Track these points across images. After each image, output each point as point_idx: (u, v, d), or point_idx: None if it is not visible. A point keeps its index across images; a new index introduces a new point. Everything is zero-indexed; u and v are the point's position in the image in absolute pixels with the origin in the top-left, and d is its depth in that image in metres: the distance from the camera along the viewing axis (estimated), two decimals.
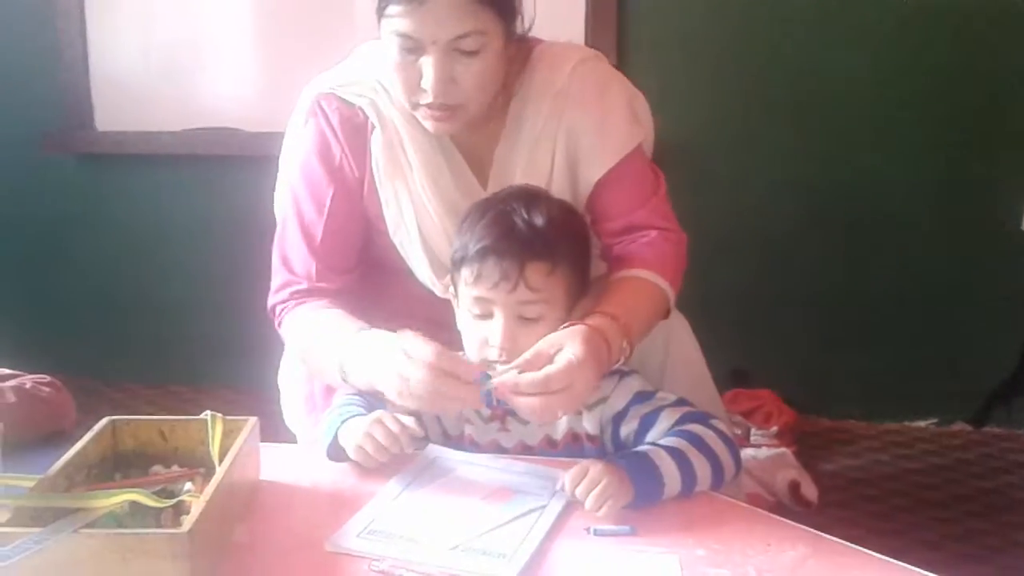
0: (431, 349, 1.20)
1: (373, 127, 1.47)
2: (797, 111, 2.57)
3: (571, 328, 1.25)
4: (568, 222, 1.34)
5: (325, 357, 1.39)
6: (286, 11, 2.74)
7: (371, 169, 1.48)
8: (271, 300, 1.50)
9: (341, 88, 1.48)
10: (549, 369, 1.18)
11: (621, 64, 2.53)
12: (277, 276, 1.50)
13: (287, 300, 1.48)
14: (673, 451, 1.21)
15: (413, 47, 1.32)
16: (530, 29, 1.46)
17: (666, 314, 1.47)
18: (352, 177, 1.48)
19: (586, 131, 1.45)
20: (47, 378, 1.63)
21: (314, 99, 1.50)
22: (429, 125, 1.40)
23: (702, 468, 1.22)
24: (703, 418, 1.30)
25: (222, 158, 2.78)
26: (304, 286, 1.47)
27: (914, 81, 2.51)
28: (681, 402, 1.33)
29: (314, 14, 2.68)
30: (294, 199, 1.51)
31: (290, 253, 1.50)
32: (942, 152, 2.55)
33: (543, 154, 1.46)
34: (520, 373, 1.19)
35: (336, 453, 1.26)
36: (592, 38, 2.54)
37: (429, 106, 1.36)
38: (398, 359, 1.22)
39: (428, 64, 1.32)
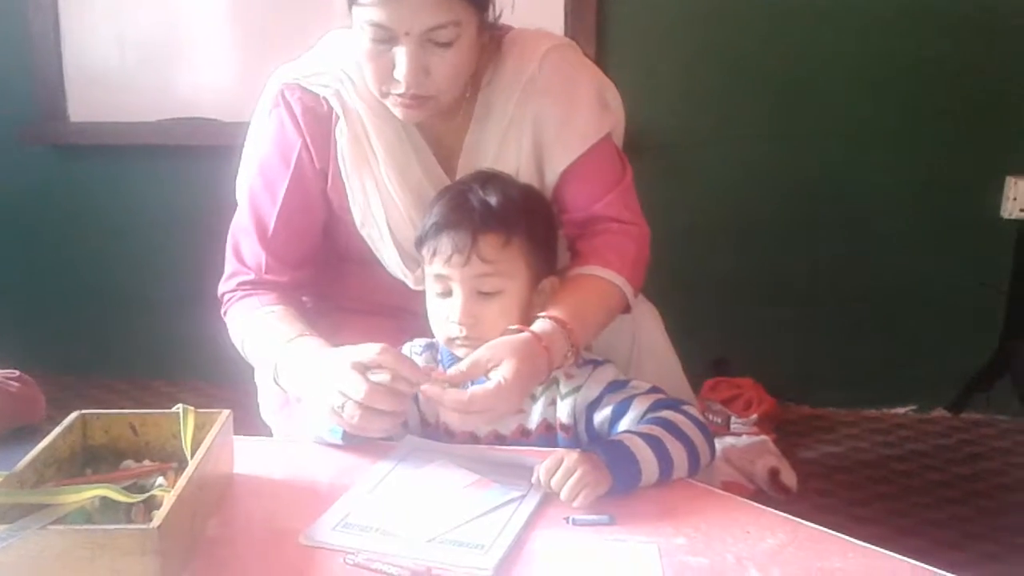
0: (367, 357, 1.20)
1: (337, 118, 1.45)
2: (777, 102, 2.57)
3: (514, 340, 1.24)
4: (527, 199, 1.35)
5: (260, 359, 1.40)
6: (262, 1, 2.71)
7: (336, 160, 1.46)
8: (220, 288, 1.49)
9: (305, 78, 1.46)
10: (475, 389, 1.20)
11: (600, 54, 2.52)
12: (228, 265, 1.50)
13: (234, 290, 1.47)
14: (648, 437, 1.21)
15: (386, 37, 1.30)
16: (500, 16, 1.44)
17: (626, 309, 1.46)
18: (313, 169, 1.46)
19: (553, 121, 1.44)
20: (15, 372, 1.61)
21: (278, 89, 1.48)
22: (399, 112, 1.38)
23: (678, 453, 1.21)
24: (675, 404, 1.29)
25: (198, 148, 2.75)
26: (252, 277, 1.47)
27: (893, 73, 2.52)
28: (654, 390, 1.33)
29: (290, 3, 2.65)
30: (249, 190, 1.50)
31: (242, 243, 1.49)
32: (921, 141, 2.56)
33: (511, 144, 1.45)
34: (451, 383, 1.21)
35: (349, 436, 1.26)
36: (571, 27, 2.52)
37: (401, 95, 1.34)
38: (333, 376, 1.20)
39: (401, 54, 1.30)
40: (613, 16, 2.56)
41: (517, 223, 1.30)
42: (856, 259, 2.64)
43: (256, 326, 1.42)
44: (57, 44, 2.79)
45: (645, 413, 1.27)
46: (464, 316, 1.27)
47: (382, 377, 1.19)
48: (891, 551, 1.06)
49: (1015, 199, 2.53)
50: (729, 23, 2.55)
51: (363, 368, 1.19)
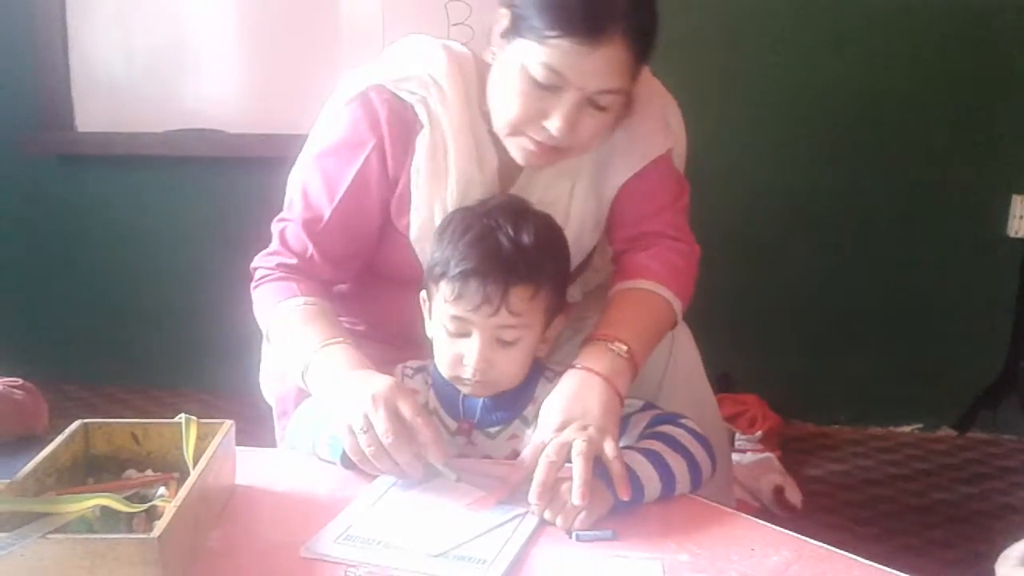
0: (413, 409, 1.17)
1: (422, 126, 1.40)
2: (784, 116, 2.58)
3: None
4: (552, 240, 1.30)
5: (289, 351, 1.35)
6: (269, 12, 2.72)
7: (409, 170, 1.42)
8: (257, 261, 1.45)
9: (393, 82, 1.40)
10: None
11: None
12: (273, 242, 1.45)
13: (273, 269, 1.42)
14: (648, 453, 1.20)
15: (555, 84, 1.24)
16: None
17: (673, 324, 1.44)
18: (382, 173, 1.41)
19: (618, 137, 1.41)
20: (19, 381, 1.60)
21: (364, 88, 1.42)
22: (519, 154, 1.34)
23: (679, 467, 1.20)
24: (674, 418, 1.28)
25: (204, 159, 2.76)
26: (294, 263, 1.42)
27: (903, 86, 2.52)
28: (648, 406, 1.32)
29: (297, 15, 2.66)
30: (306, 180, 1.45)
31: (288, 229, 1.44)
32: (928, 158, 2.56)
33: (571, 161, 1.41)
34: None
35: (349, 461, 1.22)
36: None
37: (539, 142, 1.30)
38: (365, 399, 1.17)
39: (563, 106, 1.25)
40: None
41: (545, 272, 1.25)
42: (861, 277, 2.63)
43: (291, 316, 1.37)
44: (65, 54, 2.81)
45: (644, 429, 1.26)
46: (480, 362, 1.24)
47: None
48: (896, 570, 1.05)
49: (1021, 217, 2.53)
50: (732, 37, 2.56)
51: (398, 413, 1.16)
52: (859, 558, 1.07)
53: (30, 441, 1.44)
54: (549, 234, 1.29)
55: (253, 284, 1.44)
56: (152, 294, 2.85)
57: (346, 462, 1.22)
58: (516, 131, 1.31)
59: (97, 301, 2.91)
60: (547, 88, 1.25)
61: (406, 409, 1.16)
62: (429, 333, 1.31)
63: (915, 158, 2.56)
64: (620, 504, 1.14)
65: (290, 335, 1.37)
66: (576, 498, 1.11)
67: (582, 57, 1.22)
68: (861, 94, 2.54)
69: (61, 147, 2.88)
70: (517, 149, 1.34)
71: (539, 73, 1.24)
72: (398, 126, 1.40)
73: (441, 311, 1.26)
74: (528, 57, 1.25)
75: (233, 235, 1.51)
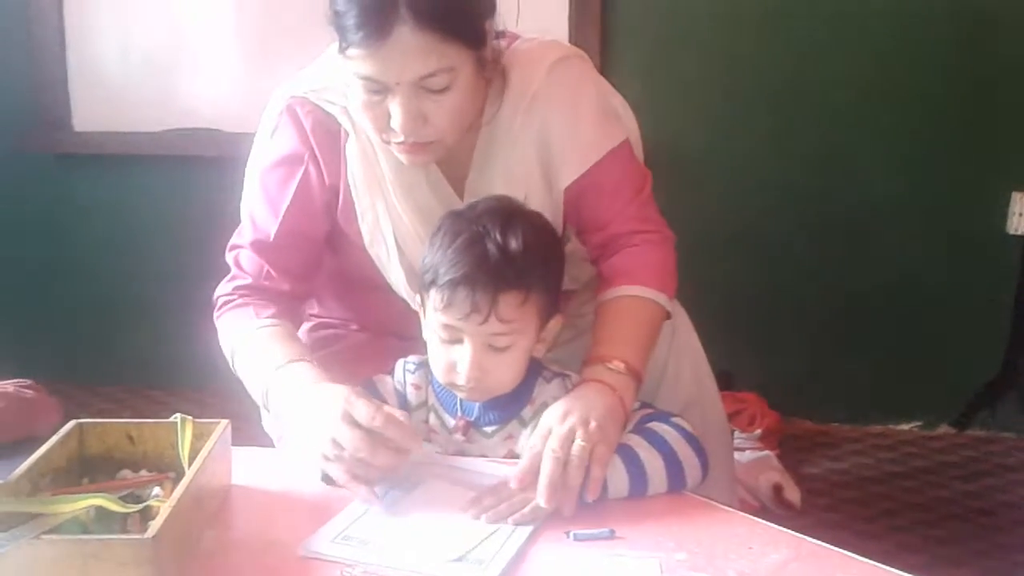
0: (369, 413, 1.16)
1: (347, 135, 1.41)
2: (783, 111, 2.57)
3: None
4: (543, 243, 1.28)
5: (250, 378, 1.36)
6: (266, 11, 2.72)
7: (346, 178, 1.43)
8: (216, 291, 1.46)
9: (314, 92, 1.42)
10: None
11: (604, 63, 2.52)
12: (230, 271, 1.46)
13: (231, 295, 1.43)
14: (622, 448, 1.20)
15: (378, 88, 1.26)
16: (500, 36, 1.39)
17: (665, 319, 1.44)
18: (321, 184, 1.43)
19: (557, 137, 1.40)
20: (28, 381, 1.60)
21: (287, 102, 1.44)
22: (404, 159, 1.35)
23: (654, 464, 1.19)
24: (665, 417, 1.28)
25: (201, 159, 2.75)
26: (249, 282, 1.43)
27: (902, 81, 2.52)
28: (643, 405, 1.31)
29: (294, 13, 2.65)
30: (252, 200, 1.47)
31: (241, 252, 1.45)
32: (928, 154, 2.55)
33: (518, 160, 1.41)
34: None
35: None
36: (576, 37, 2.52)
37: (401, 143, 1.31)
38: (325, 422, 1.17)
39: (395, 105, 1.26)
40: (618, 27, 2.57)
41: (535, 277, 1.24)
42: (861, 274, 2.63)
43: (249, 342, 1.38)
44: (62, 54, 2.80)
45: (633, 426, 1.26)
46: (473, 370, 1.23)
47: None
48: (894, 568, 1.04)
49: (1021, 214, 2.52)
50: (733, 33, 2.55)
51: (356, 424, 1.16)
52: (858, 556, 1.06)
53: (34, 442, 1.43)
54: (539, 236, 1.27)
55: (216, 314, 1.45)
56: (148, 293, 2.84)
57: (327, 479, 1.21)
58: (383, 140, 1.33)
59: (93, 300, 2.90)
60: (376, 93, 1.27)
61: (361, 417, 1.15)
62: (424, 336, 1.30)
63: (915, 155, 2.56)
64: (582, 501, 1.14)
65: (250, 360, 1.37)
66: (542, 500, 1.12)
67: (375, 56, 1.23)
68: (863, 91, 2.53)
69: (58, 146, 2.87)
70: (397, 154, 1.35)
71: (360, 85, 1.27)
72: (325, 136, 1.42)
73: (433, 318, 1.26)
74: (352, 71, 1.27)
75: (229, 234, 1.51)
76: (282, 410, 1.29)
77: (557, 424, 1.19)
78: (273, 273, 1.43)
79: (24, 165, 2.86)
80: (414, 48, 1.22)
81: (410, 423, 1.23)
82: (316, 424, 1.19)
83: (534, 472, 1.15)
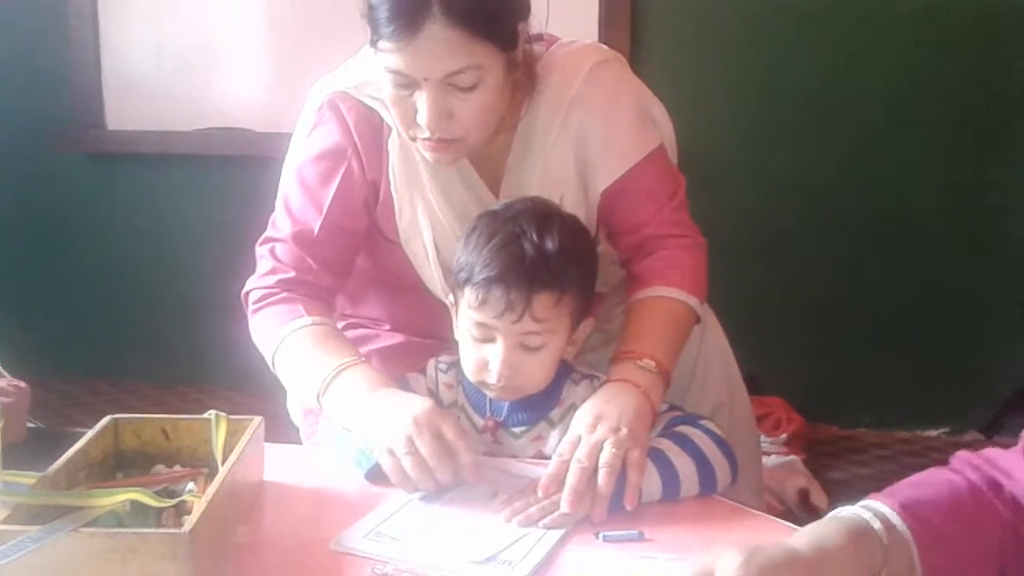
0: (457, 430, 1.19)
1: (389, 130, 1.42)
2: (811, 114, 2.56)
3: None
4: (578, 245, 1.29)
5: (301, 376, 1.36)
6: (298, 11, 2.74)
7: (387, 174, 1.43)
8: (251, 284, 1.44)
9: (355, 88, 1.43)
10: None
11: (633, 65, 2.51)
12: (263, 264, 1.44)
13: (272, 287, 1.41)
14: (653, 452, 1.20)
15: (407, 83, 1.27)
16: (534, 40, 1.40)
17: (695, 322, 1.44)
18: (362, 179, 1.43)
19: (596, 139, 1.41)
20: (21, 383, 1.58)
21: (328, 97, 1.45)
22: (429, 156, 1.36)
23: (685, 467, 1.19)
24: (693, 420, 1.28)
25: (233, 158, 2.78)
26: (292, 276, 1.41)
27: (931, 83, 2.50)
28: (670, 408, 1.32)
29: (325, 14, 2.67)
30: (291, 194, 1.46)
31: (278, 248, 1.44)
32: (961, 158, 2.53)
33: (556, 163, 1.42)
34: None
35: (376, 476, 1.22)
36: (605, 39, 2.52)
37: (427, 139, 1.32)
38: (407, 422, 1.18)
39: (422, 100, 1.27)
40: (647, 29, 2.57)
41: (569, 278, 1.24)
42: (888, 278, 2.61)
43: (300, 337, 1.36)
44: (96, 53, 2.84)
45: (661, 430, 1.26)
46: (504, 368, 1.23)
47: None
48: None
49: None
50: (763, 35, 2.55)
51: (441, 434, 1.18)
52: None
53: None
54: (574, 238, 1.28)
55: (251, 309, 1.43)
56: (180, 291, 2.87)
57: (372, 477, 1.22)
58: (410, 136, 1.34)
59: (125, 298, 2.94)
60: (404, 88, 1.28)
61: (449, 431, 1.18)
62: (456, 336, 1.31)
63: (944, 157, 2.54)
64: (614, 505, 1.14)
65: (302, 357, 1.36)
66: (565, 507, 1.12)
67: (405, 50, 1.24)
68: (891, 93, 2.51)
69: (91, 145, 2.91)
70: (423, 151, 1.36)
71: (390, 79, 1.28)
72: (368, 131, 1.43)
73: (466, 316, 1.26)
74: (381, 64, 1.28)
75: (260, 233, 1.52)
76: (346, 407, 1.29)
77: (587, 433, 1.19)
78: (315, 267, 1.42)
79: (58, 163, 2.91)
80: (444, 44, 1.24)
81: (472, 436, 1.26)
82: (393, 421, 1.20)
83: (559, 479, 1.15)
